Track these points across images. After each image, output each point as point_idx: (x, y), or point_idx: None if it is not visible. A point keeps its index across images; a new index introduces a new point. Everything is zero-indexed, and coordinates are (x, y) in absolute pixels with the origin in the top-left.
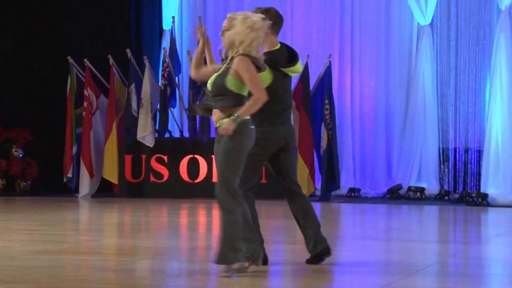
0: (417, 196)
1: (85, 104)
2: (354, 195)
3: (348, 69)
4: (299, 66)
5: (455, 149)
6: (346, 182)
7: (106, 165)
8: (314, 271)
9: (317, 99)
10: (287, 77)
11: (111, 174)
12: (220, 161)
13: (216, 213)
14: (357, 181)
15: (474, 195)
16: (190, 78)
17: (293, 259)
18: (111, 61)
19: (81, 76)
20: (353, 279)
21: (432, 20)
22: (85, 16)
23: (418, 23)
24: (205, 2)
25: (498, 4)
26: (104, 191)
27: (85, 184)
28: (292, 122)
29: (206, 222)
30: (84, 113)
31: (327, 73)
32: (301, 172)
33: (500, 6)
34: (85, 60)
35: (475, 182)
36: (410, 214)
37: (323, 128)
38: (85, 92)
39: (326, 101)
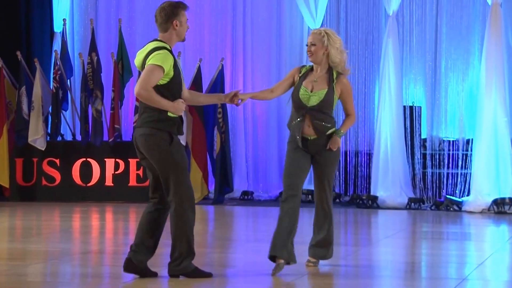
0: (308, 199)
1: None
2: (247, 198)
3: (241, 72)
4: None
5: (345, 152)
6: (239, 185)
7: None
8: (217, 274)
9: None
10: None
11: (1, 177)
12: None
13: (109, 216)
14: (250, 184)
15: (364, 197)
16: (82, 80)
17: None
18: (0, 63)
19: None
20: (246, 281)
21: (322, 24)
22: None
23: (309, 27)
24: (97, 5)
25: (385, 9)
26: None
27: None
28: (185, 125)
29: (98, 226)
30: None
31: (220, 77)
32: (194, 175)
33: (388, 11)
34: None
35: (365, 185)
36: (302, 217)
37: (216, 131)
38: None
39: (219, 105)
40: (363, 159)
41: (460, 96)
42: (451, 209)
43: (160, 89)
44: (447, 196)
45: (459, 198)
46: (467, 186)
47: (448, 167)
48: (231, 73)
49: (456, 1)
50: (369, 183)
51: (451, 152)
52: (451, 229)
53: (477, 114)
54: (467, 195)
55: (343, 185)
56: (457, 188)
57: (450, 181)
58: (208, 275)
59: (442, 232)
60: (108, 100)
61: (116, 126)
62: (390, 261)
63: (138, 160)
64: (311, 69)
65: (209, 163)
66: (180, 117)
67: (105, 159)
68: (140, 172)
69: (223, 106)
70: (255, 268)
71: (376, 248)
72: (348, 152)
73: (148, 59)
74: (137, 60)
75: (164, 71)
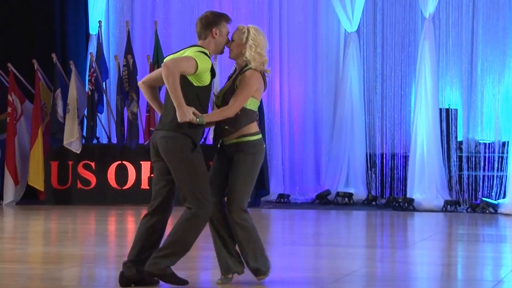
0: (345, 202)
1: (9, 109)
2: (283, 201)
3: (277, 75)
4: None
5: (382, 155)
6: (275, 188)
7: (32, 172)
8: (244, 276)
9: None
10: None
11: (36, 181)
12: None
13: None
14: (287, 187)
15: (400, 200)
16: (117, 83)
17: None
18: (36, 65)
19: (4, 81)
20: (282, 285)
21: (359, 27)
22: (8, 19)
23: (345, 30)
24: (133, 7)
25: (422, 12)
26: (30, 198)
27: (10, 191)
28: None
29: (134, 229)
30: (8, 118)
31: None
32: None
33: (424, 14)
34: (9, 64)
35: (401, 187)
36: (338, 219)
37: None
38: (9, 98)
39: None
40: (399, 161)
41: (496, 99)
42: (487, 211)
43: (188, 91)
44: (483, 198)
45: (495, 200)
46: (503, 188)
47: (484, 170)
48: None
49: (493, 3)
50: (405, 186)
51: (487, 155)
52: (487, 231)
53: None
54: (503, 198)
55: (379, 188)
56: (493, 191)
57: (486, 183)
58: (184, 282)
59: (478, 235)
60: (144, 103)
61: (151, 129)
62: (426, 263)
63: None
64: None
65: None
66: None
67: (140, 162)
68: None
69: (260, 109)
70: (292, 271)
71: (412, 250)
72: (384, 155)
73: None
74: None
75: (197, 68)
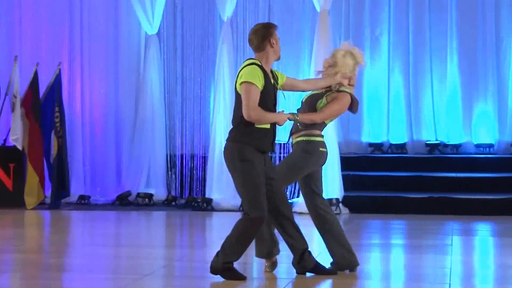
0: (145, 202)
1: None
2: (84, 202)
3: (78, 77)
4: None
5: (181, 156)
6: (76, 189)
7: None
8: (53, 278)
9: (47, 107)
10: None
11: None
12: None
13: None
14: (87, 188)
15: (199, 200)
16: None
17: (22, 268)
18: None
19: None
20: (82, 286)
21: (159, 29)
22: None
23: (146, 32)
24: None
25: (220, 15)
26: None
27: None
28: (21, 129)
29: None
30: None
31: (57, 81)
32: (31, 180)
33: (223, 17)
34: None
35: (200, 188)
36: (138, 220)
37: (53, 136)
38: None
39: (56, 109)
40: (198, 162)
41: (290, 100)
42: None
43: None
44: None
45: (290, 199)
46: (297, 187)
47: None
48: (69, 78)
49: (287, 8)
50: (204, 186)
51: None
52: None
53: None
54: (297, 197)
55: (179, 188)
56: (288, 190)
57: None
58: (331, 271)
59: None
60: None
61: None
62: None
63: None
64: None
65: (46, 168)
66: (274, 131)
67: None
68: None
69: (61, 111)
70: (91, 272)
71: (210, 249)
72: (184, 156)
73: (238, 81)
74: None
75: (259, 84)
